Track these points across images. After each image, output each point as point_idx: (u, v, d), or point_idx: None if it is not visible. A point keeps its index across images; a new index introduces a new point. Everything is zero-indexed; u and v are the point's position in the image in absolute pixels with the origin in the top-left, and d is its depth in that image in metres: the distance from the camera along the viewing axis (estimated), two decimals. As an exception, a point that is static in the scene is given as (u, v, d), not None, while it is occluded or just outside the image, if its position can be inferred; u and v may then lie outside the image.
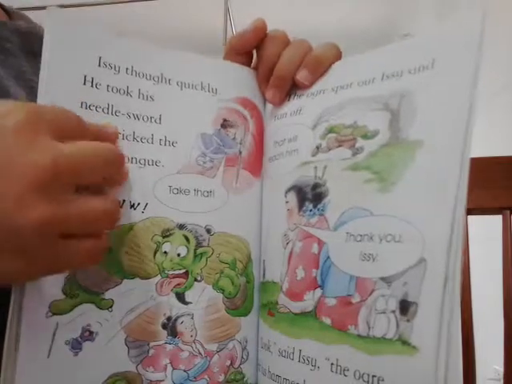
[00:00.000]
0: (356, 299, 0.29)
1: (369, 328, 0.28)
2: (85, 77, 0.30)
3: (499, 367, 0.63)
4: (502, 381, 0.57)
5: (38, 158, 0.23)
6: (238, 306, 0.35)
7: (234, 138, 0.36)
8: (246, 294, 0.36)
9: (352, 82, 0.33)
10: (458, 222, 0.26)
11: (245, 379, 0.35)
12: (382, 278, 0.28)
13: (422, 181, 0.28)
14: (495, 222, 0.61)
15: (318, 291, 0.31)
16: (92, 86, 0.31)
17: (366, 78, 0.33)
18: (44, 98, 0.29)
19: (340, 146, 0.32)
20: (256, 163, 0.37)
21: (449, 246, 0.26)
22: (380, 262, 0.28)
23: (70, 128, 0.26)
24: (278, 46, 0.36)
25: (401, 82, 0.31)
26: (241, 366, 0.35)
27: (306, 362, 0.31)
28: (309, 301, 0.31)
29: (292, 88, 0.37)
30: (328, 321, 0.30)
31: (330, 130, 0.33)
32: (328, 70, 0.36)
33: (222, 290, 0.35)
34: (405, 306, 0.27)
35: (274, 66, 0.36)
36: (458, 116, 0.27)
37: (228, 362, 0.35)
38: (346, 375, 0.28)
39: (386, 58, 0.33)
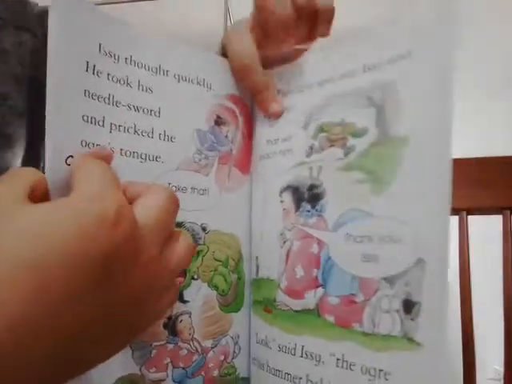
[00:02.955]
0: (360, 298, 0.30)
1: (374, 326, 0.29)
2: (87, 63, 0.29)
3: (499, 367, 0.63)
4: (502, 381, 0.57)
5: (150, 245, 0.23)
6: (230, 302, 0.36)
7: (226, 136, 0.36)
8: (237, 291, 0.36)
9: (334, 75, 0.34)
10: (448, 221, 0.27)
11: (237, 373, 0.36)
12: (385, 279, 0.29)
13: (413, 180, 0.28)
14: (495, 222, 0.61)
15: (320, 290, 0.32)
16: (94, 73, 0.29)
17: (348, 69, 0.33)
18: (51, 83, 0.27)
19: (332, 145, 0.33)
20: (245, 160, 0.38)
21: (446, 246, 0.27)
22: (382, 262, 0.29)
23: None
24: None
25: (381, 72, 0.31)
26: (233, 360, 0.36)
27: (310, 357, 0.32)
28: (310, 299, 0.32)
29: (280, 84, 0.37)
30: (331, 318, 0.31)
31: (321, 130, 0.34)
32: (314, 61, 0.36)
33: (216, 288, 0.35)
34: (408, 306, 0.28)
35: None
36: (439, 109, 0.28)
37: (222, 357, 0.35)
38: (352, 369, 0.29)
39: (365, 48, 0.32)
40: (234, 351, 0.36)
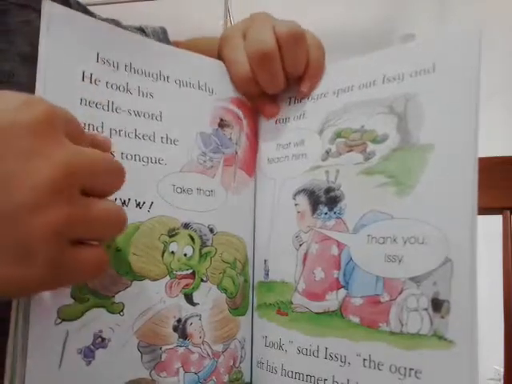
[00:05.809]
0: (385, 298, 0.30)
1: (402, 325, 0.29)
2: (83, 73, 0.29)
3: (499, 367, 0.63)
4: (502, 381, 0.57)
5: (54, 157, 0.22)
6: (238, 305, 0.35)
7: (230, 138, 0.36)
8: (244, 294, 0.36)
9: (353, 84, 0.34)
10: (476, 221, 0.27)
11: (243, 378, 0.35)
12: (411, 278, 0.29)
13: (438, 184, 0.29)
14: (495, 221, 0.61)
15: (342, 291, 0.32)
16: (91, 82, 0.30)
17: (367, 80, 0.34)
18: (42, 94, 0.27)
19: (350, 150, 0.33)
20: (250, 162, 0.38)
21: (472, 245, 0.27)
22: (406, 263, 0.29)
23: (76, 131, 0.25)
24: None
25: (403, 85, 0.32)
26: (240, 364, 0.35)
27: (335, 358, 0.32)
28: (332, 301, 0.32)
29: (292, 92, 0.38)
30: (356, 319, 0.31)
31: (338, 135, 0.34)
32: (327, 73, 0.37)
33: (225, 290, 0.34)
34: (437, 304, 0.28)
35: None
36: (464, 119, 0.29)
37: (231, 362, 0.35)
38: (380, 369, 0.29)
39: (386, 61, 0.33)
40: (241, 355, 0.35)
